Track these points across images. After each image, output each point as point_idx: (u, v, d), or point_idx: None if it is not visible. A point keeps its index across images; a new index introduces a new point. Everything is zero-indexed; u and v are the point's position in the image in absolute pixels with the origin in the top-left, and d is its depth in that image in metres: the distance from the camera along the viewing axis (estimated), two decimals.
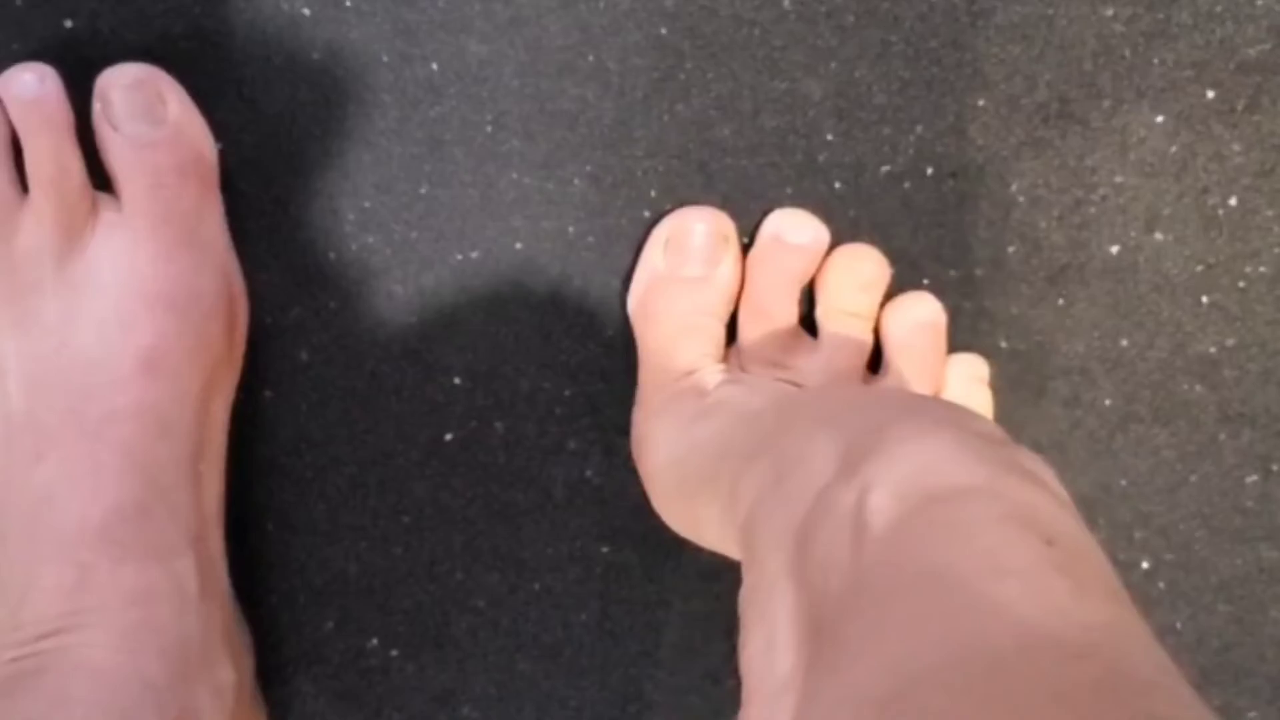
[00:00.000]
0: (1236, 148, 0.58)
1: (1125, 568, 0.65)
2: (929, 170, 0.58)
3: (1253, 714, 0.67)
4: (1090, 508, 0.64)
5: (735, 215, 0.59)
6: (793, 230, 0.58)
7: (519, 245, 0.59)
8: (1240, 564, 0.64)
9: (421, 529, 0.62)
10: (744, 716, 0.44)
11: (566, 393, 0.61)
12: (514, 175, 0.58)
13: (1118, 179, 0.59)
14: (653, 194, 0.58)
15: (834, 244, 0.59)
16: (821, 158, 0.58)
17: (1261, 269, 0.60)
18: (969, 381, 0.60)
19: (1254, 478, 0.63)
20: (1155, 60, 0.57)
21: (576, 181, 0.58)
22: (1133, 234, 0.59)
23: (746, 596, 0.46)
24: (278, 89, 0.56)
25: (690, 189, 0.58)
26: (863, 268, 0.59)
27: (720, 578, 0.63)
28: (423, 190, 0.58)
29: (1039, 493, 0.41)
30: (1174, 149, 0.58)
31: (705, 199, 0.58)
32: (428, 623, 0.64)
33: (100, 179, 0.54)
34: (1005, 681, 0.35)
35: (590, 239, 0.59)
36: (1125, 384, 0.62)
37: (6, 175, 0.52)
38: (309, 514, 0.62)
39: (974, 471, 0.41)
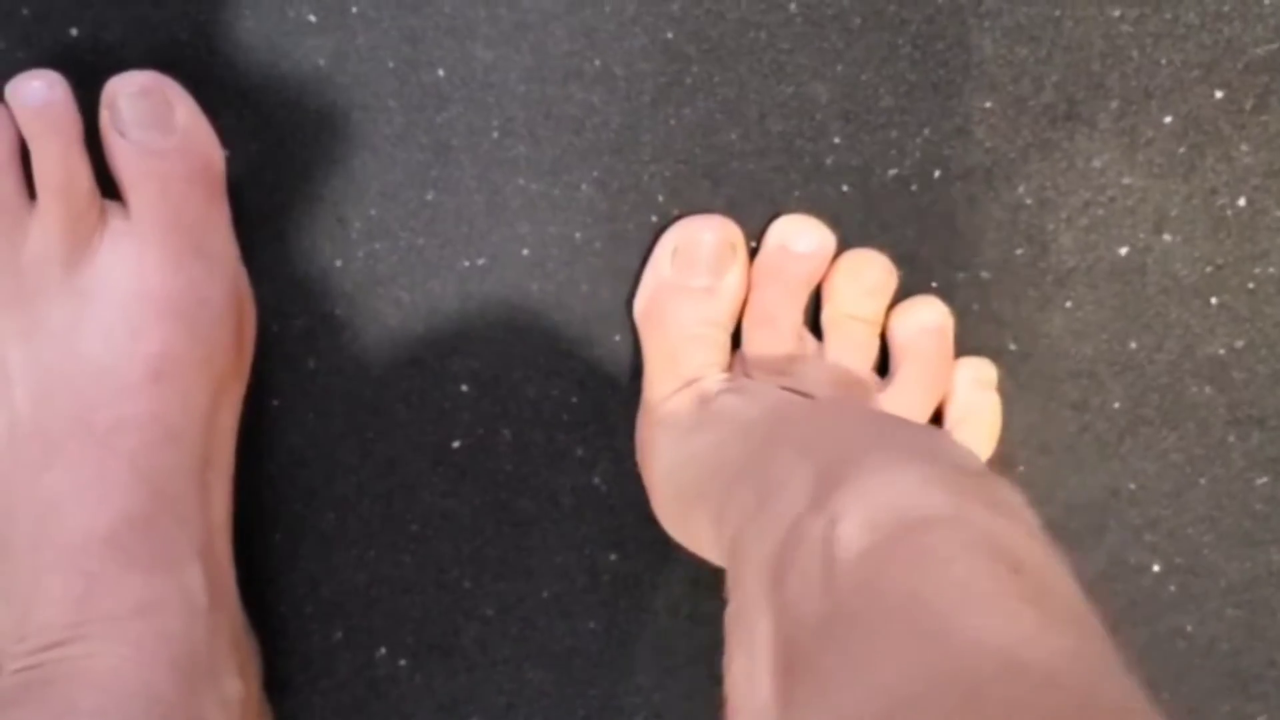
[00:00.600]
0: (1245, 148, 0.58)
1: (1135, 571, 0.64)
2: (936, 173, 0.58)
3: (1263, 718, 0.67)
4: (1099, 511, 0.63)
5: (742, 219, 0.59)
6: (797, 238, 0.58)
7: (526, 251, 0.59)
8: (1250, 567, 0.64)
9: (429, 537, 0.62)
10: None
11: (574, 399, 0.61)
12: (520, 181, 0.58)
13: (1126, 180, 0.58)
14: (660, 199, 0.58)
15: (842, 247, 0.59)
16: (828, 161, 0.58)
17: (1270, 270, 0.60)
18: (976, 385, 0.60)
19: (1264, 480, 0.63)
20: (1163, 61, 0.57)
21: (583, 187, 0.58)
22: (1141, 235, 0.59)
23: (730, 618, 0.46)
24: (284, 96, 0.56)
25: (697, 193, 0.58)
26: (869, 273, 0.59)
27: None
28: (429, 197, 0.58)
29: (1008, 522, 0.42)
30: (1182, 150, 0.58)
31: (712, 203, 0.58)
32: (436, 632, 0.63)
33: (108, 187, 0.54)
34: (981, 710, 0.35)
35: (597, 244, 0.59)
36: (1134, 387, 0.62)
37: (15, 182, 0.52)
38: (316, 523, 0.62)
39: (942, 502, 0.42)
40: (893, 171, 0.58)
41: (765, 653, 0.42)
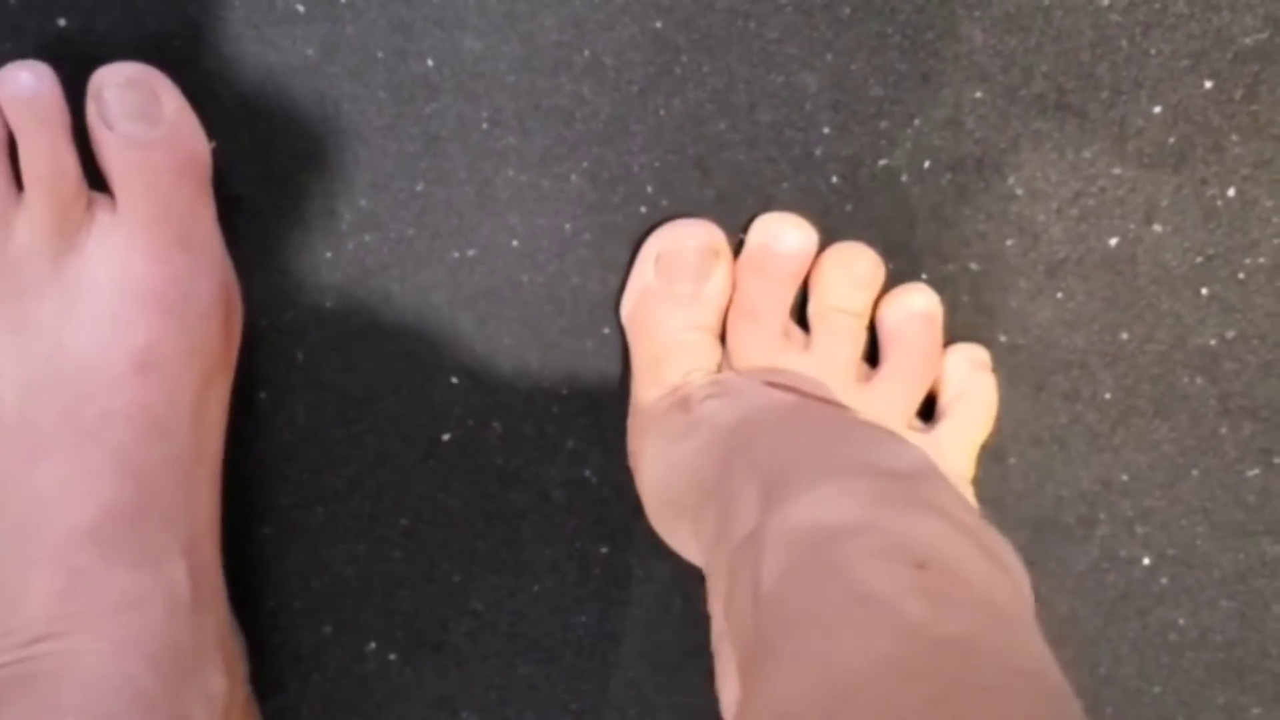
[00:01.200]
0: (1235, 138, 0.58)
1: (1127, 563, 0.64)
2: (926, 163, 0.58)
3: (1257, 711, 0.66)
4: (1091, 503, 0.63)
5: (731, 210, 0.58)
6: (779, 236, 0.58)
7: (516, 243, 0.59)
8: (1243, 558, 0.64)
9: (419, 531, 0.62)
10: None
11: (564, 391, 0.61)
12: (510, 172, 0.58)
13: (1116, 170, 0.58)
14: (649, 190, 0.58)
15: (831, 238, 0.59)
16: (818, 151, 0.58)
17: (1261, 260, 0.60)
18: (971, 367, 0.60)
19: (1255, 471, 0.63)
20: (1152, 50, 0.57)
21: (573, 178, 0.58)
22: (1131, 226, 0.59)
23: (714, 633, 0.50)
24: (272, 87, 0.56)
25: (687, 184, 0.58)
26: (856, 265, 0.58)
27: None
28: (419, 188, 0.58)
29: (922, 520, 0.44)
30: (1172, 140, 0.58)
31: (701, 194, 0.58)
32: (426, 626, 0.63)
33: (96, 179, 0.53)
34: (851, 710, 0.37)
35: (587, 236, 0.59)
36: (1125, 377, 0.62)
37: (2, 175, 0.52)
38: (305, 517, 0.61)
39: (854, 512, 0.44)
40: (882, 162, 0.58)
41: (729, 668, 0.46)
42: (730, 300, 0.59)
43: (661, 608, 0.64)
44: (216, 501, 0.57)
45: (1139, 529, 0.64)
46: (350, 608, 0.63)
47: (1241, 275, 0.60)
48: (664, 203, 0.58)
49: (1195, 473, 0.63)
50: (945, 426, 0.60)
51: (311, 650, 0.63)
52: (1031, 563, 0.63)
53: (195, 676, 0.53)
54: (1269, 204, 0.59)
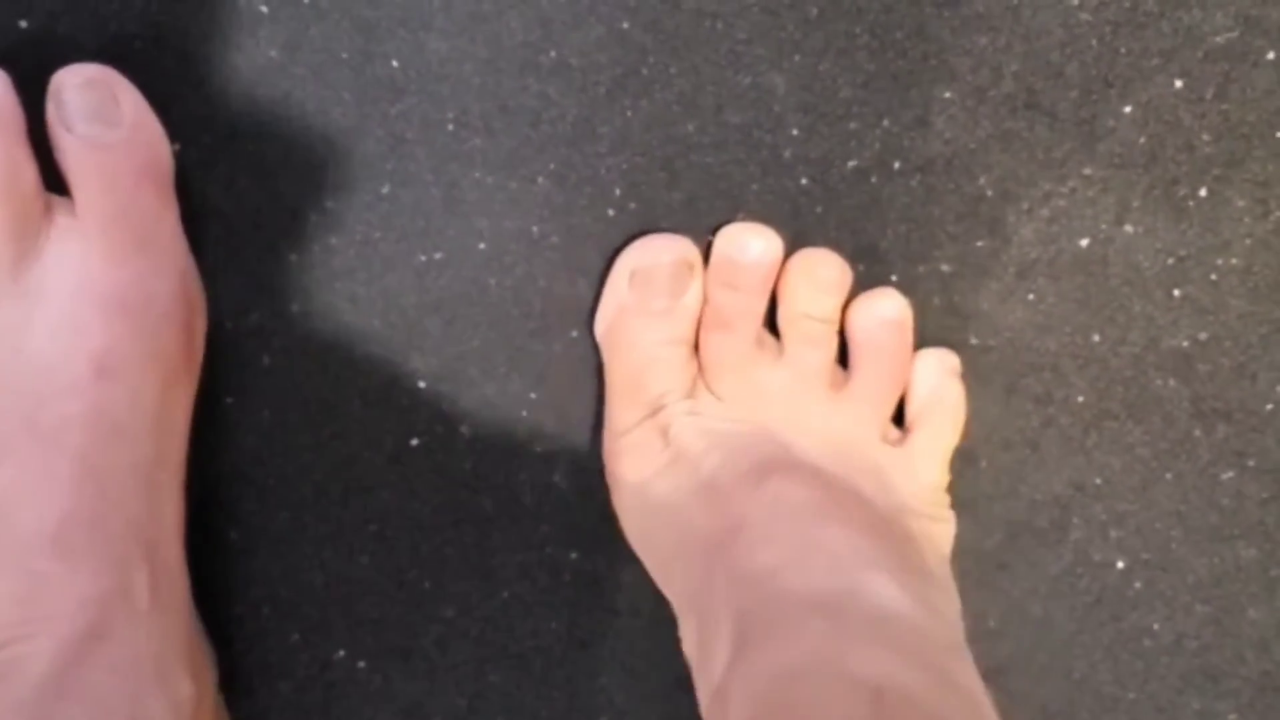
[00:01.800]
0: (1206, 137, 0.58)
1: (1100, 568, 0.64)
2: (896, 164, 0.58)
3: (1233, 717, 0.66)
4: (1063, 507, 0.63)
5: (700, 212, 0.58)
6: (743, 247, 0.57)
7: (482, 245, 0.58)
8: (1218, 562, 0.64)
9: (388, 537, 0.61)
10: None
11: (533, 396, 0.60)
12: (477, 174, 0.57)
13: (1086, 171, 0.58)
14: (617, 192, 0.58)
15: (801, 240, 0.58)
16: (787, 153, 0.57)
17: (1234, 261, 0.59)
18: (940, 375, 0.60)
19: (1230, 474, 0.63)
20: (1122, 49, 0.56)
21: (540, 180, 0.57)
22: (1102, 227, 0.59)
23: None
24: (235, 88, 0.55)
25: (655, 186, 0.58)
26: (822, 271, 0.58)
27: None
28: (385, 190, 0.57)
29: (879, 650, 0.48)
30: (1143, 139, 0.58)
31: (670, 196, 0.58)
32: (395, 633, 0.63)
33: (54, 182, 0.53)
34: None
35: (554, 239, 0.58)
36: (1098, 380, 0.61)
37: None
38: (272, 523, 0.61)
39: (812, 653, 0.48)
40: (852, 163, 0.58)
41: None
42: (702, 312, 0.59)
43: (632, 613, 0.63)
44: (179, 506, 0.56)
45: (1113, 533, 0.63)
46: (318, 614, 0.62)
47: (1214, 276, 0.60)
48: (632, 205, 0.58)
49: (1169, 476, 0.63)
50: (916, 438, 0.60)
51: (279, 657, 0.62)
52: (1004, 567, 0.63)
53: (159, 683, 0.52)
54: (1241, 204, 0.59)
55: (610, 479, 0.61)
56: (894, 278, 0.59)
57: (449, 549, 0.62)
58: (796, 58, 0.56)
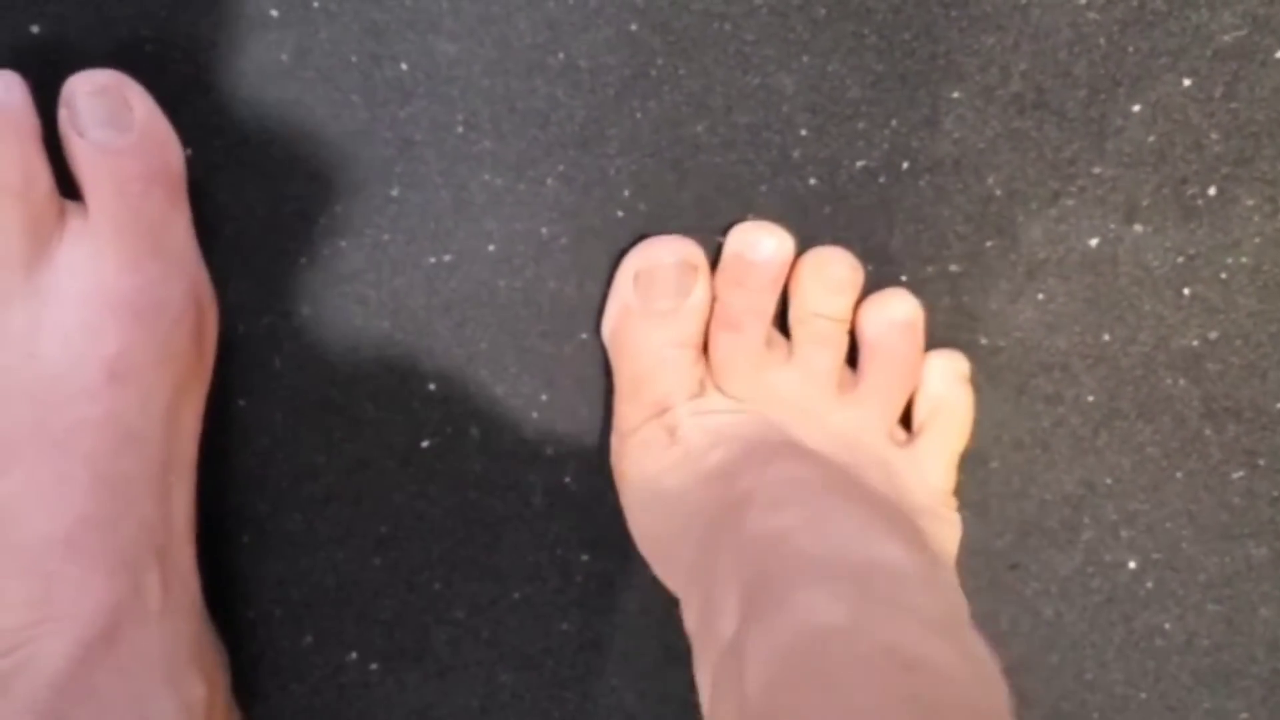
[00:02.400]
0: (1215, 136, 0.58)
1: (1112, 567, 0.64)
2: (904, 165, 0.58)
3: (1244, 715, 0.66)
4: (1074, 507, 0.63)
5: (709, 213, 0.58)
6: (754, 245, 0.57)
7: (492, 247, 0.58)
8: (1229, 562, 0.64)
9: (399, 539, 0.62)
10: None
11: (543, 397, 0.60)
12: (486, 176, 0.57)
13: (1095, 170, 0.58)
14: (626, 193, 0.58)
15: (810, 240, 0.58)
16: (795, 154, 0.57)
17: (1243, 259, 0.59)
18: (949, 379, 0.60)
19: (1240, 473, 0.63)
20: (1131, 48, 0.56)
21: (549, 182, 0.57)
22: (1112, 226, 0.59)
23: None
24: (245, 92, 0.56)
25: (664, 187, 0.58)
26: (833, 270, 0.58)
27: None
28: (394, 193, 0.57)
29: (907, 622, 0.44)
30: (1151, 138, 0.58)
31: (679, 197, 0.58)
32: (407, 635, 0.63)
33: (68, 187, 0.53)
34: None
35: (564, 240, 0.58)
36: (1108, 380, 0.61)
37: None
38: (284, 525, 0.61)
39: (838, 616, 0.44)
40: (860, 163, 0.58)
41: None
42: (712, 312, 0.59)
43: (643, 614, 0.63)
44: (191, 509, 0.56)
45: (1124, 532, 0.63)
46: (330, 617, 0.62)
47: (1224, 275, 0.60)
48: (641, 206, 0.58)
49: (1179, 475, 0.63)
50: (923, 441, 0.60)
51: (292, 660, 0.62)
52: (1015, 567, 0.63)
53: (169, 685, 0.52)
54: (1250, 202, 0.59)
55: (617, 477, 0.61)
56: (903, 278, 0.59)
57: (460, 550, 0.62)
58: (805, 58, 0.56)
